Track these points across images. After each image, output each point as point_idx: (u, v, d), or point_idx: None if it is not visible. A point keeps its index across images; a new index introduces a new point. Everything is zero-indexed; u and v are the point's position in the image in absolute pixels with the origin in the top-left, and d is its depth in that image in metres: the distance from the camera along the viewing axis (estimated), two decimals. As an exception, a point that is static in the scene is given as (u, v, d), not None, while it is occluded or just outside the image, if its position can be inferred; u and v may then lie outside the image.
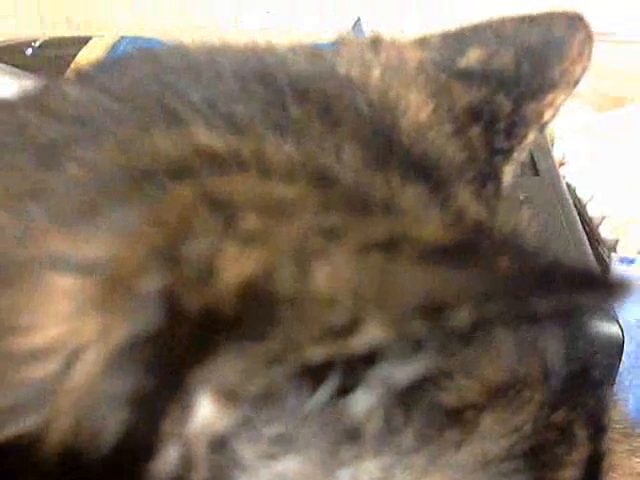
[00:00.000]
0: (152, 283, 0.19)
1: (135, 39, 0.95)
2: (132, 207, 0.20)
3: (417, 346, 0.19)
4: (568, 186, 0.76)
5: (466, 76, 0.30)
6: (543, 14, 0.32)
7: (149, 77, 0.26)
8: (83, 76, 0.30)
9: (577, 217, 0.69)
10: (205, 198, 0.19)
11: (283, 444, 0.20)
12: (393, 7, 1.02)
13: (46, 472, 0.19)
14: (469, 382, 0.22)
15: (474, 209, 0.25)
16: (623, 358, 0.54)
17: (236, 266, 0.18)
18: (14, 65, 0.90)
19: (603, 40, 0.94)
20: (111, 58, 0.92)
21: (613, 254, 0.66)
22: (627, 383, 0.54)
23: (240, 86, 0.25)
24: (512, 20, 0.32)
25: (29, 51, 0.94)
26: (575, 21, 0.35)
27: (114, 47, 0.94)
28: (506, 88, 0.29)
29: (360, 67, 0.29)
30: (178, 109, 0.23)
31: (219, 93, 0.24)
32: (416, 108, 0.28)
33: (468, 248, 0.18)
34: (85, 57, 0.92)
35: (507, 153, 0.30)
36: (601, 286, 0.17)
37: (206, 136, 0.22)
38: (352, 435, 0.21)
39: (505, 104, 0.29)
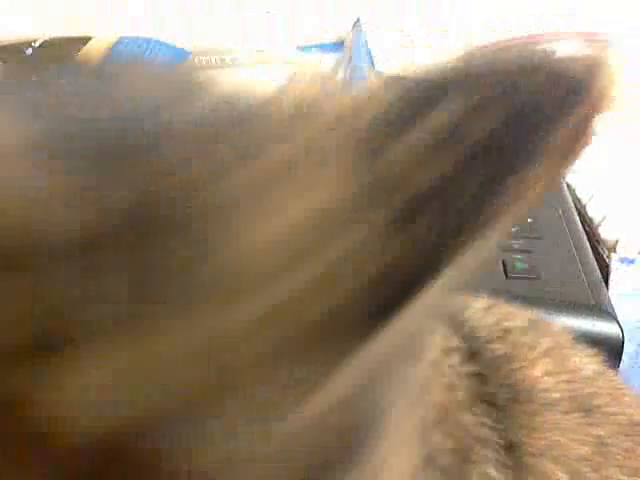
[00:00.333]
0: None
1: (135, 39, 0.95)
2: None
3: None
4: (568, 186, 0.76)
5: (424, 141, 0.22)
6: (556, 61, 0.24)
7: None
8: None
9: (577, 217, 0.69)
10: None
11: None
12: (393, 7, 1.02)
13: None
14: None
15: None
16: (623, 358, 0.54)
17: None
18: (14, 65, 0.90)
19: (603, 40, 0.94)
20: (111, 58, 0.92)
21: (613, 254, 0.66)
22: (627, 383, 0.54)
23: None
24: (507, 69, 0.23)
25: (29, 51, 0.94)
26: (589, 79, 0.24)
27: (114, 47, 0.94)
28: (477, 159, 0.21)
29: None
30: None
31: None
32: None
33: None
34: (85, 57, 0.93)
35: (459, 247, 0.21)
36: None
37: None
38: None
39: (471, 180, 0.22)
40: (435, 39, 1.03)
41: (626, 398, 0.38)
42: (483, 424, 0.33)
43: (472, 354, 0.34)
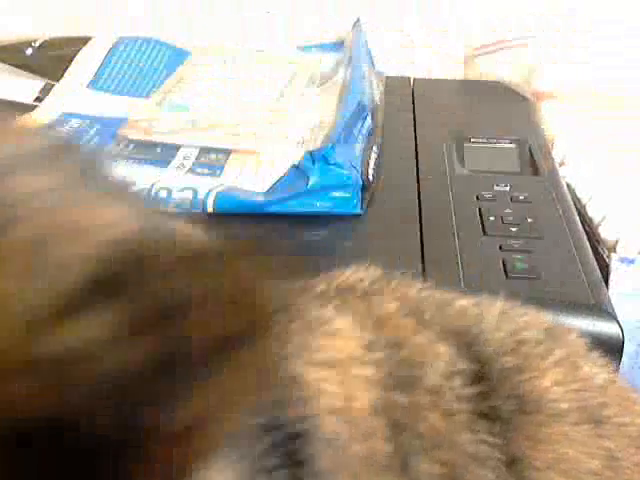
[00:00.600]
0: None
1: (135, 39, 0.95)
2: None
3: None
4: (568, 186, 0.76)
5: None
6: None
7: None
8: None
9: (577, 217, 0.69)
10: None
11: None
12: (393, 7, 1.02)
13: None
14: None
15: None
16: (623, 358, 0.54)
17: None
18: (14, 65, 0.90)
19: (603, 40, 0.94)
20: (111, 58, 0.92)
21: (613, 254, 0.66)
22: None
23: None
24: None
25: (29, 51, 0.94)
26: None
27: (114, 47, 0.94)
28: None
29: None
30: None
31: None
32: None
33: None
34: (85, 57, 0.93)
35: None
36: None
37: None
38: None
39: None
40: (435, 39, 1.03)
41: (636, 407, 0.38)
42: (482, 441, 0.32)
43: (478, 372, 0.34)
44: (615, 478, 0.34)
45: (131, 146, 0.76)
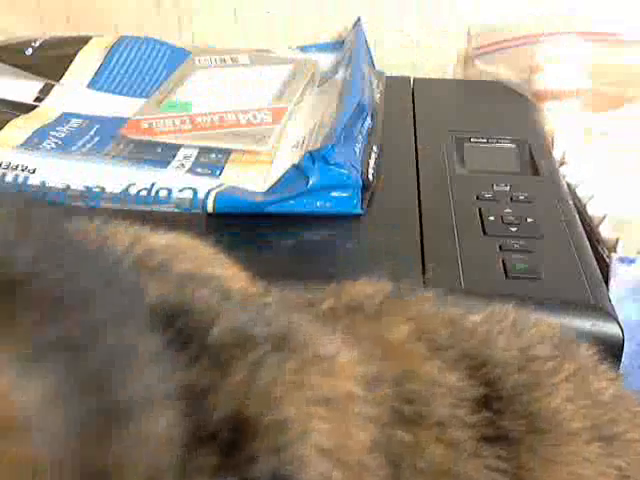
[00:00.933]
0: None
1: (135, 39, 0.95)
2: None
3: None
4: (568, 186, 0.76)
5: None
6: None
7: None
8: None
9: (577, 217, 0.69)
10: None
11: None
12: (393, 7, 1.02)
13: None
14: None
15: None
16: (623, 358, 0.54)
17: None
18: (14, 65, 0.90)
19: (603, 40, 0.94)
20: (111, 58, 0.92)
21: (613, 254, 0.66)
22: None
23: None
24: None
25: (29, 51, 0.94)
26: None
27: (114, 47, 0.94)
28: None
29: None
30: None
31: None
32: None
33: None
34: (85, 57, 0.93)
35: None
36: None
37: None
38: None
39: None
40: (435, 39, 1.03)
41: None
42: (488, 467, 0.32)
43: (487, 395, 0.34)
44: None
45: (131, 146, 0.76)
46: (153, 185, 0.68)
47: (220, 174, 0.71)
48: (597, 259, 0.64)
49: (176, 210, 0.67)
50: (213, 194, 0.66)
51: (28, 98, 0.86)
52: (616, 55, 0.93)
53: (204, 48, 0.99)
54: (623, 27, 0.95)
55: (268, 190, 0.68)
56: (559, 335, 0.39)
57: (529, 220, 0.66)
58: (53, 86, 0.88)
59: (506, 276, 0.59)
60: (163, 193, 0.67)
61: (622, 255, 0.66)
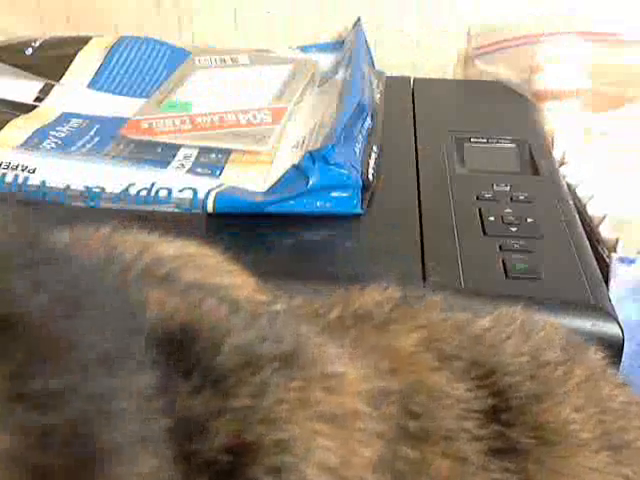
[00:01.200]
0: None
1: (135, 39, 0.95)
2: None
3: None
4: (568, 186, 0.76)
5: None
6: None
7: None
8: None
9: (577, 217, 0.69)
10: None
11: None
12: (393, 7, 1.02)
13: None
14: None
15: None
16: (623, 358, 0.54)
17: None
18: (14, 65, 0.90)
19: (603, 40, 0.94)
20: (111, 58, 0.92)
21: (613, 254, 0.66)
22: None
23: None
24: None
25: (29, 51, 0.94)
26: None
27: (114, 47, 0.94)
28: None
29: None
30: None
31: None
32: None
33: None
34: (85, 57, 0.93)
35: None
36: None
37: None
38: None
39: None
40: (435, 39, 1.03)
41: None
42: None
43: (496, 406, 0.33)
44: None
45: (131, 146, 0.76)
46: (153, 185, 0.68)
47: (220, 174, 0.71)
48: (597, 259, 0.64)
49: (176, 210, 0.67)
50: (213, 194, 0.66)
51: (28, 98, 0.86)
52: (616, 55, 0.93)
53: (204, 48, 0.99)
54: (623, 27, 0.95)
55: (268, 190, 0.68)
56: (567, 337, 0.39)
57: (529, 220, 0.66)
58: (53, 86, 0.88)
59: (506, 276, 0.59)
60: (163, 193, 0.67)
61: (622, 255, 0.66)
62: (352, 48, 0.91)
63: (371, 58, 0.97)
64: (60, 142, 0.76)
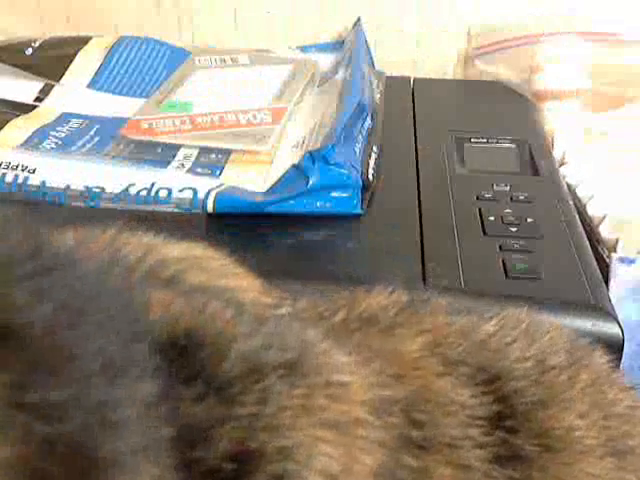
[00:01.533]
0: None
1: (135, 39, 0.95)
2: None
3: None
4: (568, 186, 0.76)
5: None
6: None
7: None
8: None
9: (577, 217, 0.69)
10: None
11: None
12: (393, 7, 1.02)
13: None
14: None
15: None
16: (623, 358, 0.54)
17: None
18: (14, 65, 0.90)
19: (603, 40, 0.94)
20: (111, 58, 0.92)
21: (613, 254, 0.66)
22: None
23: None
24: None
25: (29, 51, 0.94)
26: None
27: (114, 47, 0.94)
28: None
29: None
30: None
31: None
32: None
33: None
34: (85, 57, 0.93)
35: None
36: None
37: None
38: None
39: None
40: (435, 39, 1.03)
41: None
42: None
43: (501, 412, 0.33)
44: None
45: (131, 146, 0.76)
46: (153, 185, 0.68)
47: (220, 174, 0.71)
48: (597, 259, 0.64)
49: (176, 210, 0.67)
50: (213, 194, 0.66)
51: (28, 98, 0.86)
52: (616, 55, 0.93)
53: (204, 48, 0.99)
54: (623, 27, 0.95)
55: (268, 190, 0.68)
56: (573, 340, 0.38)
57: (529, 220, 0.66)
58: (53, 86, 0.88)
59: (506, 276, 0.59)
60: (163, 193, 0.67)
61: (622, 255, 0.66)
62: (352, 48, 0.91)
63: (371, 58, 0.97)
64: (60, 142, 0.76)
